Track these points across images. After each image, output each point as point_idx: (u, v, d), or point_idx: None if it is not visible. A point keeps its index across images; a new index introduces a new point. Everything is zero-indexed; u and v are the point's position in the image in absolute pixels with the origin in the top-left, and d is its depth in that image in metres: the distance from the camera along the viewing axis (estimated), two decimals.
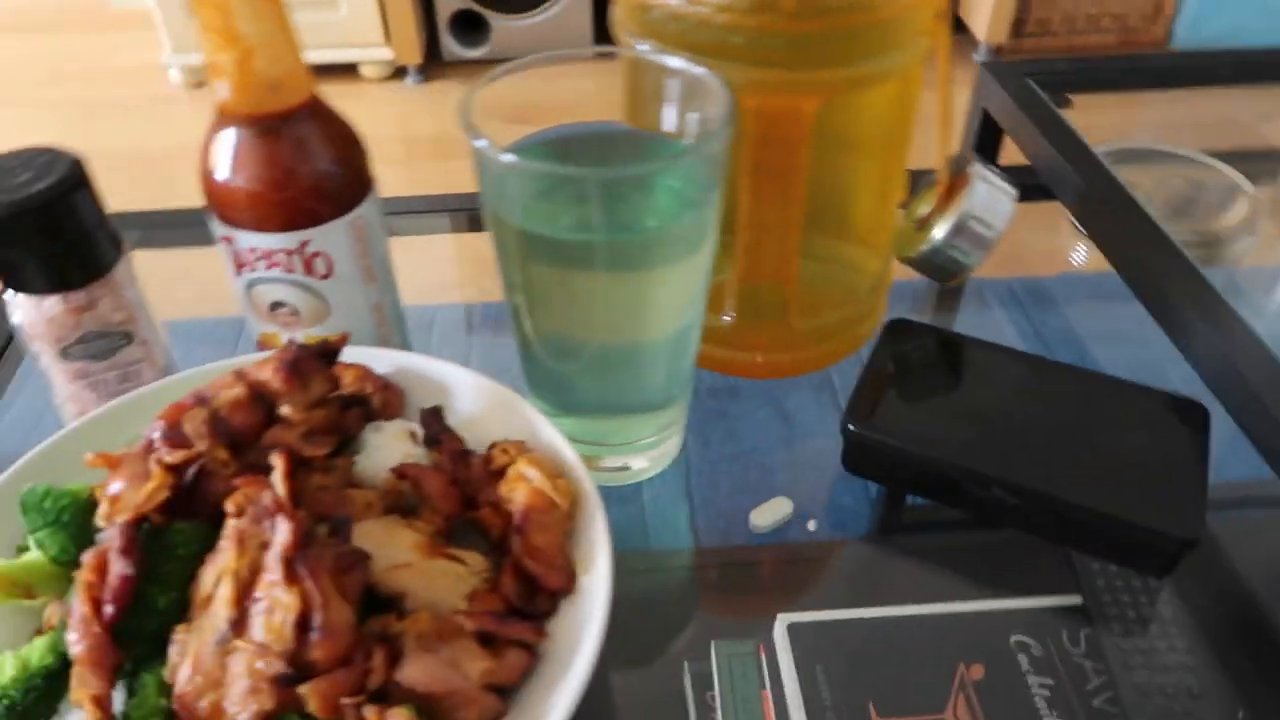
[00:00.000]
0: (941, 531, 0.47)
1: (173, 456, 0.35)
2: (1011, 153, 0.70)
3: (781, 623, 0.42)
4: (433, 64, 2.23)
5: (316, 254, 0.43)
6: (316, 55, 2.24)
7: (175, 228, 0.65)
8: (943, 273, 0.50)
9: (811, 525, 0.46)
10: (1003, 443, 0.45)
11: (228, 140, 0.41)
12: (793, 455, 0.50)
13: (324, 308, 0.45)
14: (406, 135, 2.06)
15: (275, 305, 0.45)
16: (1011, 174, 0.68)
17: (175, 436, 0.36)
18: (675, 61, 0.41)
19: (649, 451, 0.47)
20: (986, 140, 0.71)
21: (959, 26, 2.37)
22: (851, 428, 0.46)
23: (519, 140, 0.42)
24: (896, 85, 0.45)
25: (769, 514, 0.46)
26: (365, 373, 0.43)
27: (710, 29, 0.41)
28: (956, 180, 0.50)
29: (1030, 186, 0.64)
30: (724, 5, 0.40)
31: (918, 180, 0.54)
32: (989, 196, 0.48)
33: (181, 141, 2.10)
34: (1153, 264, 0.52)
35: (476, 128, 0.37)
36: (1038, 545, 0.45)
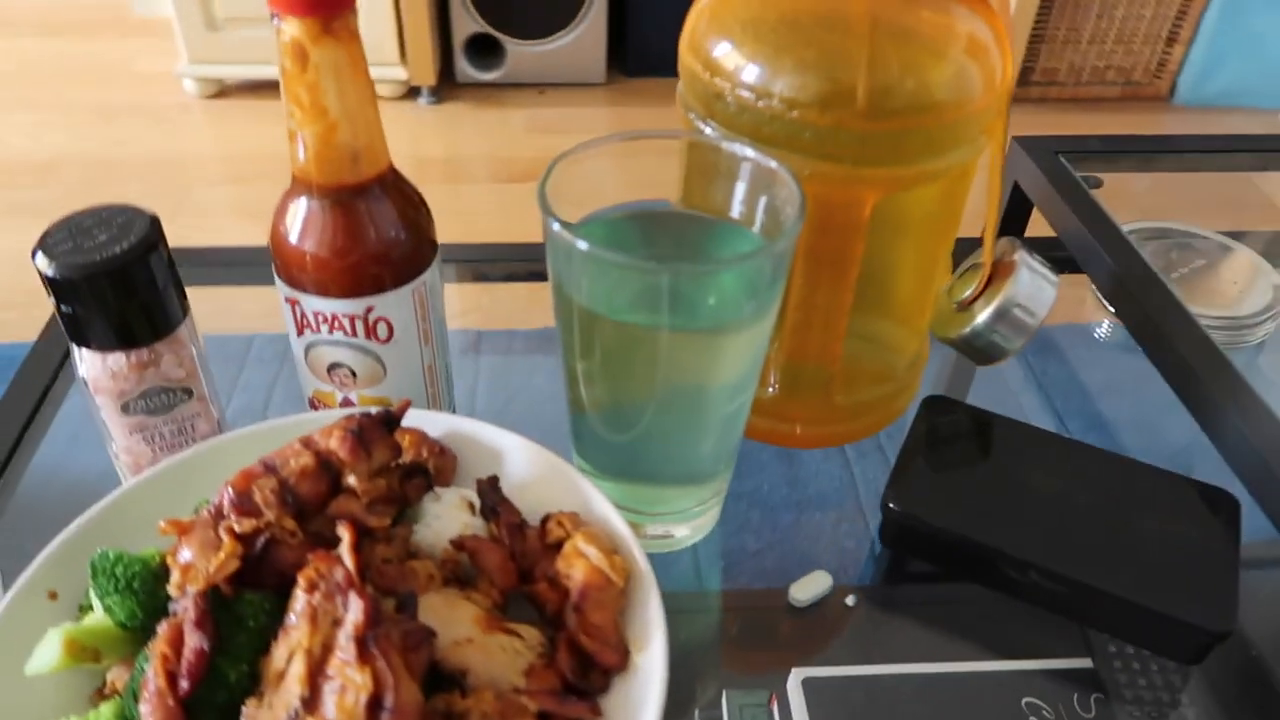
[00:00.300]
0: (958, 596, 0.48)
1: (243, 525, 0.36)
2: (1037, 222, 0.72)
3: (796, 676, 0.43)
4: (446, 85, 2.25)
5: (380, 319, 0.44)
6: None
7: (230, 266, 0.66)
8: (982, 355, 0.51)
9: (850, 600, 0.47)
10: (1040, 526, 0.46)
11: (301, 208, 0.42)
12: (825, 527, 0.51)
13: (380, 369, 0.46)
14: (417, 155, 2.07)
15: (333, 366, 0.45)
16: (1037, 245, 0.70)
17: (245, 505, 0.37)
18: (748, 151, 0.42)
19: (692, 521, 0.48)
20: (1015, 211, 0.72)
21: None
22: (892, 505, 0.47)
23: (585, 217, 0.43)
24: (952, 179, 0.46)
25: (809, 588, 0.46)
26: (421, 438, 0.44)
27: (781, 123, 0.42)
28: (999, 266, 0.51)
29: (1057, 259, 0.66)
30: (795, 100, 0.41)
31: (960, 259, 0.55)
32: (1032, 284, 0.50)
33: (193, 150, 2.11)
34: (1183, 350, 0.53)
35: (552, 208, 0.38)
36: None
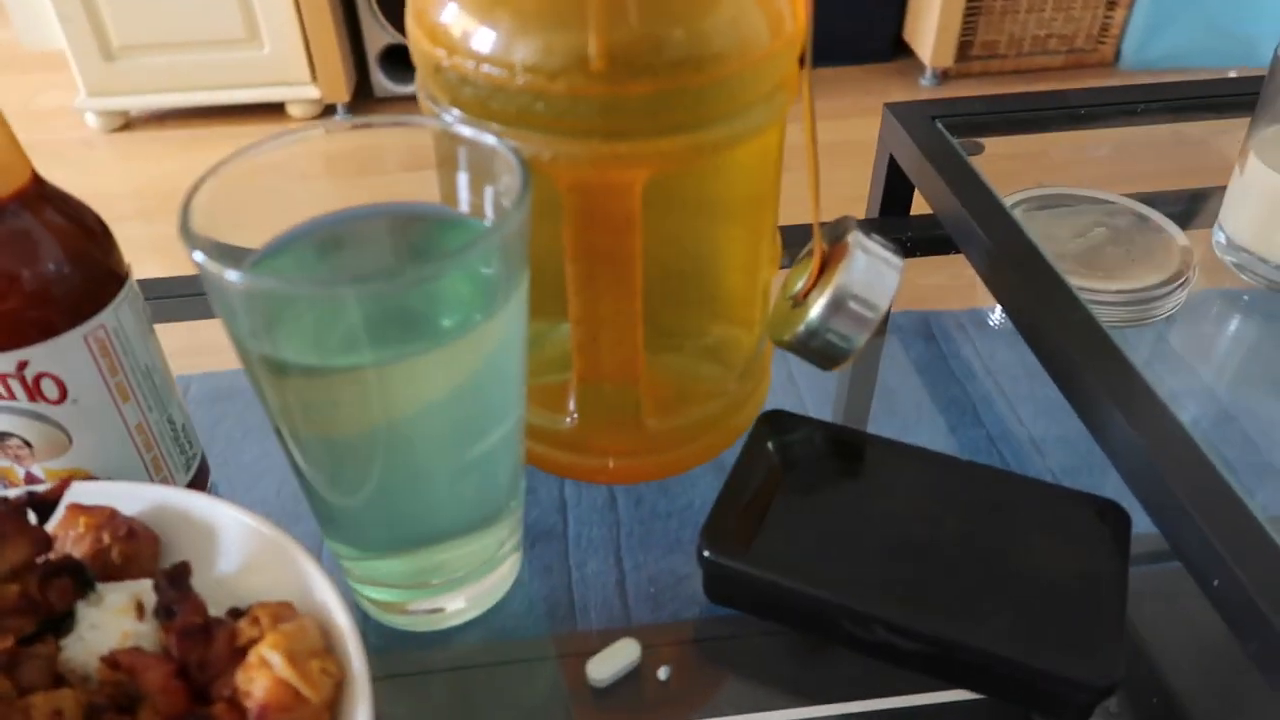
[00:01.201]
0: (815, 663, 0.40)
1: None
2: (922, 204, 0.64)
3: None
4: (363, 101, 2.16)
5: (42, 375, 0.35)
6: (242, 95, 2.17)
7: None
8: (821, 357, 0.43)
9: (662, 673, 0.38)
10: (891, 569, 0.38)
11: None
12: (644, 582, 0.42)
13: (62, 437, 0.37)
14: (336, 176, 1.98)
15: (1, 436, 0.37)
16: (923, 225, 0.61)
17: None
18: (464, 131, 0.33)
19: (468, 588, 0.39)
20: (895, 190, 0.64)
21: (903, 50, 2.33)
22: (707, 554, 0.38)
23: (276, 239, 0.34)
24: (753, 147, 0.38)
25: (610, 663, 0.38)
26: (105, 518, 0.35)
27: (509, 95, 0.33)
28: (835, 250, 0.42)
29: (938, 239, 0.58)
30: (521, 66, 0.33)
31: (791, 242, 0.47)
32: (869, 270, 0.41)
33: (100, 186, 2.01)
34: (1060, 332, 0.45)
35: (198, 235, 0.30)
36: None
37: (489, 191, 0.34)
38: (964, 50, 2.25)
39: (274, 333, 0.31)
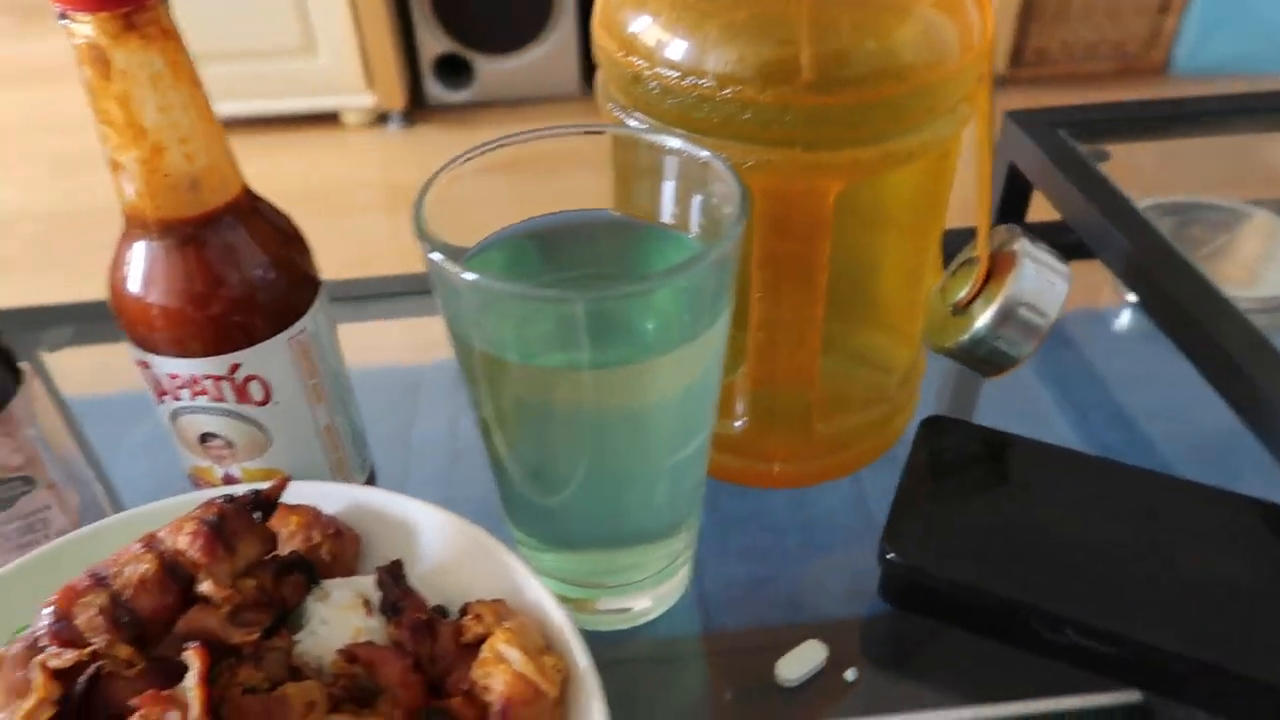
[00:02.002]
0: (979, 647, 0.40)
1: (60, 660, 0.28)
2: (1036, 208, 0.64)
3: None
4: (416, 108, 2.18)
5: (251, 378, 0.36)
6: (296, 104, 2.21)
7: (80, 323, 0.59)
8: (986, 365, 0.43)
9: (850, 675, 0.39)
10: (1074, 572, 0.38)
11: (139, 253, 0.34)
12: (817, 583, 0.43)
13: (263, 437, 0.38)
14: (390, 182, 2.00)
15: (205, 437, 0.38)
16: (1039, 231, 0.62)
17: (65, 631, 0.29)
18: (673, 141, 0.34)
19: (652, 589, 0.40)
20: (1013, 197, 0.64)
21: None
22: (891, 557, 0.39)
23: (489, 237, 0.35)
24: (933, 159, 0.39)
25: (799, 664, 0.38)
26: (311, 518, 0.36)
27: (714, 105, 0.34)
28: (999, 259, 0.43)
29: (1063, 244, 0.58)
30: (728, 76, 0.34)
31: (949, 252, 0.47)
32: (1039, 278, 0.42)
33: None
34: (1220, 339, 0.45)
35: (431, 235, 0.31)
36: None
37: (696, 203, 0.35)
38: (1016, 57, 2.25)
39: (497, 331, 0.32)
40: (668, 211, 0.36)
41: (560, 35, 2.13)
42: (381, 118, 2.14)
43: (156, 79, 0.30)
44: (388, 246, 1.73)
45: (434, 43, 2.10)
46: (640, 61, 0.35)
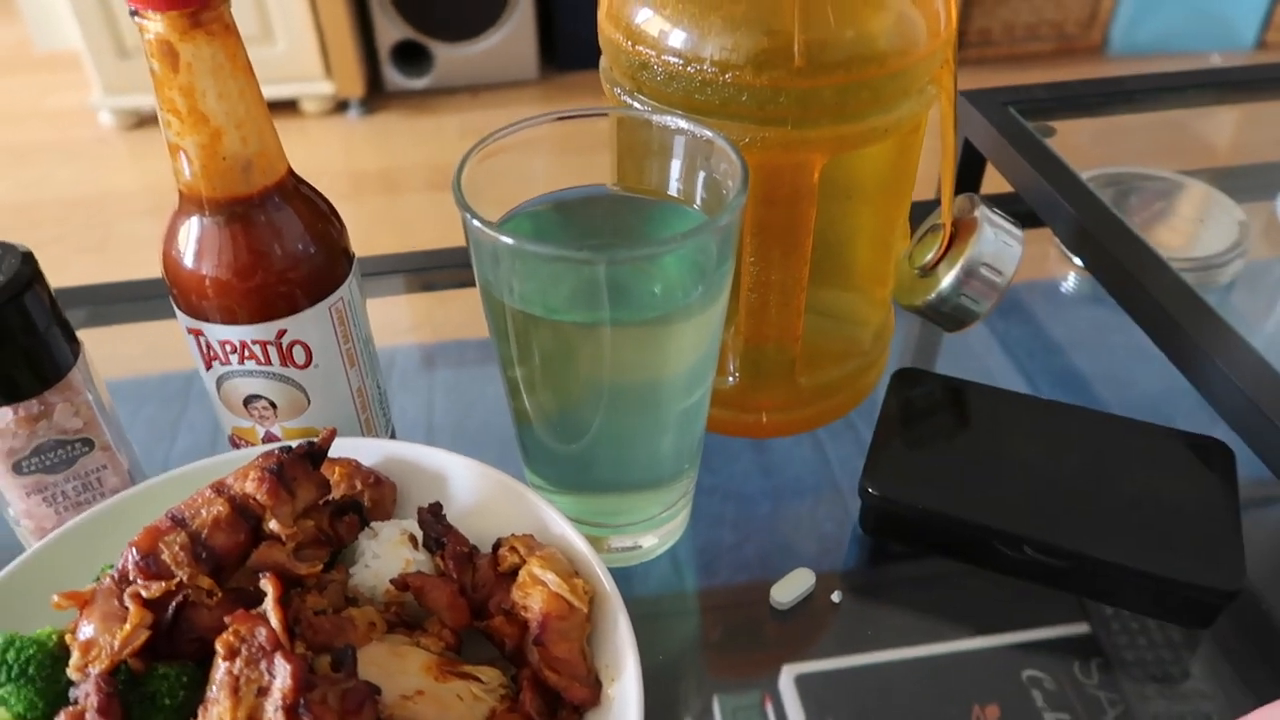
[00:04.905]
0: (947, 573, 0.45)
1: (150, 590, 0.32)
2: (989, 181, 0.69)
3: (788, 674, 0.40)
4: (375, 96, 2.19)
5: (295, 343, 0.40)
6: None
7: (128, 302, 0.61)
8: (950, 320, 0.48)
9: (836, 597, 0.43)
10: (1029, 498, 0.43)
11: (194, 228, 0.37)
12: (801, 518, 0.47)
13: (303, 398, 0.42)
14: (352, 170, 2.01)
15: (250, 399, 0.41)
16: (994, 203, 0.67)
17: (151, 566, 0.33)
18: (681, 122, 0.38)
19: (659, 528, 0.44)
20: (967, 170, 0.69)
21: None
22: (871, 490, 0.44)
23: (512, 211, 0.39)
24: (904, 134, 0.43)
25: (790, 589, 0.43)
26: (354, 469, 0.40)
27: (714, 88, 0.38)
28: (961, 225, 0.48)
29: (1015, 214, 0.63)
30: (727, 62, 0.38)
31: (916, 222, 0.52)
32: (997, 241, 0.47)
33: (115, 184, 2.03)
34: (1155, 293, 0.50)
35: (470, 203, 0.34)
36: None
37: (700, 179, 0.39)
38: (961, 38, 2.31)
39: (527, 290, 0.35)
40: (674, 187, 0.40)
41: (517, 21, 2.15)
42: (341, 105, 2.15)
43: (218, 70, 0.34)
44: (352, 231, 1.75)
45: (392, 30, 2.11)
46: (647, 50, 0.39)
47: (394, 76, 2.17)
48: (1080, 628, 0.42)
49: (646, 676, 0.33)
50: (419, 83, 2.17)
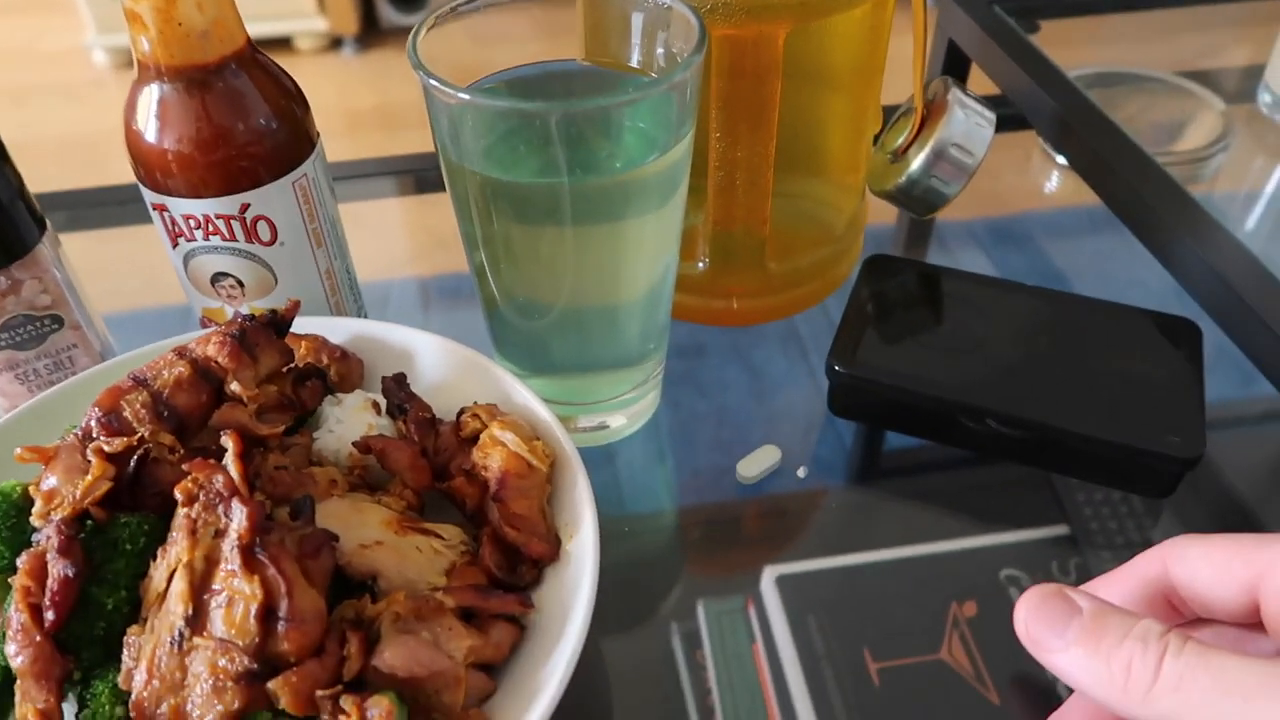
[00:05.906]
0: (924, 472, 0.45)
1: (112, 445, 0.32)
2: (977, 83, 0.68)
3: (769, 575, 0.41)
4: (370, 33, 2.17)
5: (259, 218, 0.40)
6: (249, 29, 2.17)
7: (104, 206, 0.62)
8: (921, 204, 0.48)
9: (801, 472, 0.44)
10: (994, 374, 0.43)
11: (152, 97, 0.37)
12: (773, 404, 0.48)
13: (270, 277, 0.42)
14: (347, 107, 2.00)
15: (217, 278, 0.42)
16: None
17: (114, 423, 0.33)
18: None
19: (627, 409, 0.45)
20: (953, 71, 0.68)
21: None
22: (838, 368, 0.44)
23: (474, 83, 0.39)
24: (869, 10, 0.43)
25: (756, 464, 0.44)
26: (320, 343, 0.41)
27: None
28: (932, 108, 0.47)
29: (1001, 116, 0.63)
30: None
31: (890, 114, 0.51)
32: (967, 122, 0.46)
33: (110, 125, 2.01)
34: (1136, 183, 0.50)
35: (426, 65, 0.34)
36: (1021, 478, 0.44)
37: (660, 45, 0.38)
38: None
39: (484, 153, 0.35)
40: (635, 57, 0.39)
41: None
42: (335, 42, 2.12)
43: None
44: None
45: None
46: None
47: (389, 13, 2.14)
48: (1060, 529, 0.43)
49: (615, 554, 0.34)
50: (414, 19, 2.14)
